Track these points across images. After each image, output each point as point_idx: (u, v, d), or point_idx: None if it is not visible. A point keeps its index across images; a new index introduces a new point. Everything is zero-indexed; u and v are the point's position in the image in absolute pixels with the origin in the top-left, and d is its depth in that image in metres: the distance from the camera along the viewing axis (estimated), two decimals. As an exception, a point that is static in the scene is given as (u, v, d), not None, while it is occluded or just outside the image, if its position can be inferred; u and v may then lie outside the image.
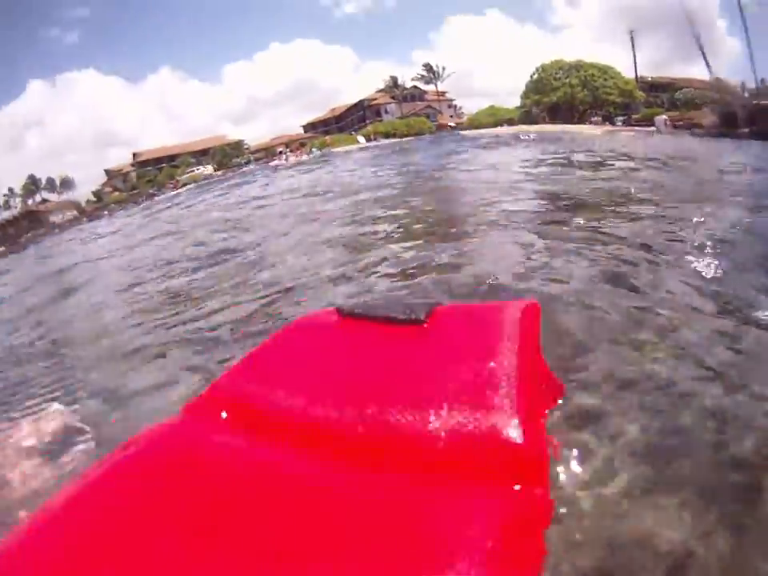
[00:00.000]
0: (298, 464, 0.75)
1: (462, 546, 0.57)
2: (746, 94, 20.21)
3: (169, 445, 0.82)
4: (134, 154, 51.99)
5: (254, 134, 69.71)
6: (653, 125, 23.74)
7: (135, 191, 44.96)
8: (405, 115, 45.81)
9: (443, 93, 48.74)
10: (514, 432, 0.72)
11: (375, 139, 40.67)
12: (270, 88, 78.88)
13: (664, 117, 24.28)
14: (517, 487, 0.68)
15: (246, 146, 51.19)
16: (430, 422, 0.75)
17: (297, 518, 0.64)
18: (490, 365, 0.85)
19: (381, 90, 49.22)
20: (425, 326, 1.03)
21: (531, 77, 39.56)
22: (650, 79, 38.67)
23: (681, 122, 22.77)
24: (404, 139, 35.43)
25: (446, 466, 0.70)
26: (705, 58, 20.72)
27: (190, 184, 37.31)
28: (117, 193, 47.42)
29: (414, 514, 0.63)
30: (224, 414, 0.88)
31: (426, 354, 0.94)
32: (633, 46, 39.84)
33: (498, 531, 0.60)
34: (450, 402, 0.78)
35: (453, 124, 43.71)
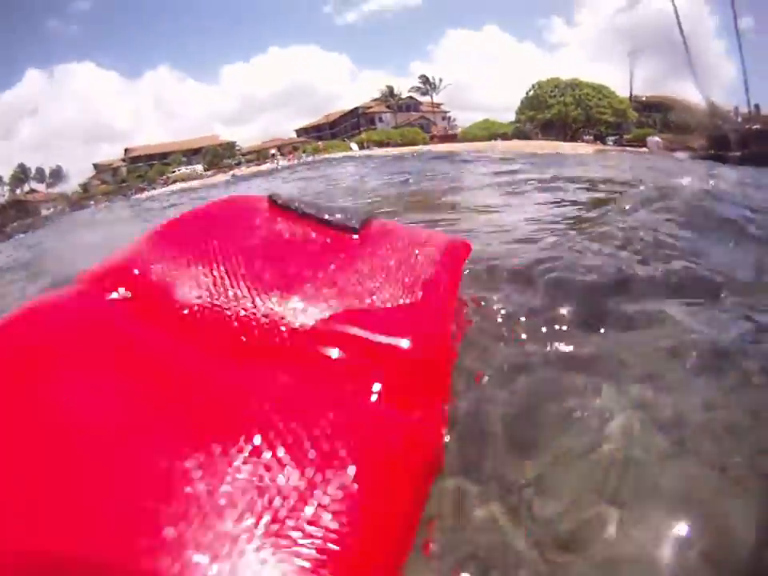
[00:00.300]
0: (190, 350, 0.71)
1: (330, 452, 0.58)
2: (739, 119, 20.28)
3: (53, 317, 0.73)
4: (126, 150, 51.71)
5: (247, 137, 69.48)
6: (644, 145, 23.90)
7: (124, 184, 45.03)
8: (399, 125, 45.82)
9: (438, 105, 48.78)
10: (414, 349, 0.74)
11: (368, 147, 40.55)
12: (265, 91, 78.50)
13: (657, 138, 24.38)
14: (406, 406, 0.69)
15: (237, 148, 51.09)
16: (335, 326, 0.76)
17: (177, 402, 0.61)
18: (411, 287, 0.88)
19: (376, 99, 49.21)
20: (355, 236, 1.00)
21: (527, 93, 39.82)
22: (644, 99, 38.94)
23: (673, 144, 22.82)
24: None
25: (341, 370, 0.71)
26: (698, 84, 20.82)
27: (179, 182, 37.12)
28: (104, 185, 47.22)
29: (299, 413, 0.62)
30: (121, 290, 0.79)
31: (348, 263, 0.92)
32: (631, 69, 40.29)
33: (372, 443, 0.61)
34: (359, 312, 0.80)
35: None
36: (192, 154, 49.00)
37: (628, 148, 25.81)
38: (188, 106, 77.24)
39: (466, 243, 1.14)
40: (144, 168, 47.94)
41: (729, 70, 46.60)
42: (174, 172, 44.94)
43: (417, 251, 0.98)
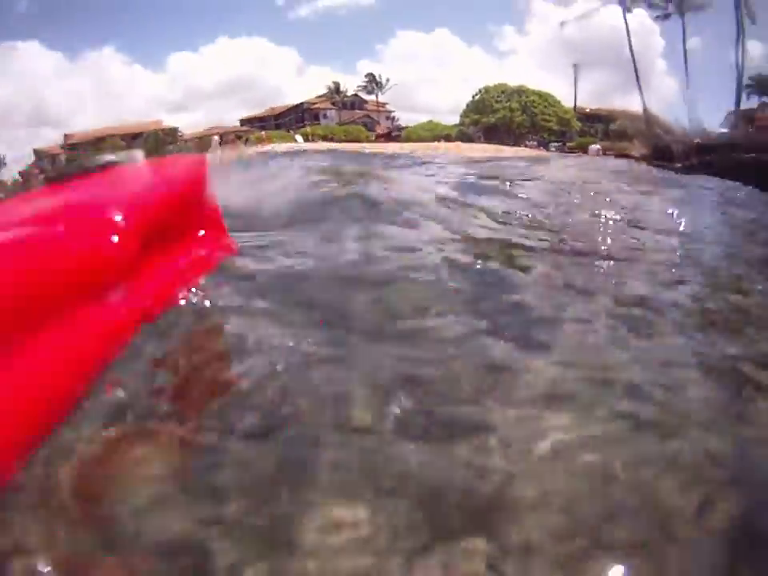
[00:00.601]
0: None
1: None
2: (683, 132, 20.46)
3: None
4: (66, 135, 48.10)
5: (189, 123, 66.28)
6: (586, 152, 24.18)
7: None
8: (343, 122, 44.65)
9: (383, 104, 47.84)
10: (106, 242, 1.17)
11: (313, 140, 39.24)
12: (211, 81, 75.38)
13: (597, 146, 24.68)
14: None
15: (180, 134, 48.59)
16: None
17: None
18: (130, 196, 1.34)
19: (321, 96, 47.84)
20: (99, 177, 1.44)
21: (473, 97, 39.29)
22: (587, 110, 39.26)
23: (612, 152, 23.11)
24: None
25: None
26: (643, 96, 21.01)
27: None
28: (42, 175, 43.85)
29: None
30: None
31: (88, 193, 1.40)
32: (575, 78, 40.48)
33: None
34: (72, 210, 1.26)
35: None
36: (132, 139, 46.04)
37: (570, 155, 26.01)
38: (133, 92, 73.46)
39: (200, 160, 1.64)
40: (83, 156, 44.50)
41: (670, 87, 47.59)
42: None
43: (149, 174, 1.46)
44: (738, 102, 19.12)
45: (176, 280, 1.47)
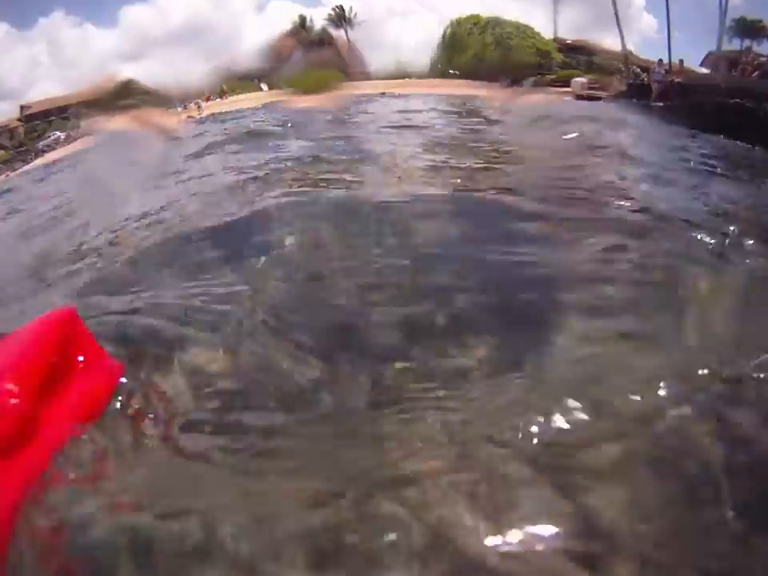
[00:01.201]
0: None
1: None
2: (663, 71, 19.22)
3: None
4: (22, 107, 45.10)
5: (146, 73, 62.97)
6: (568, 85, 22.53)
7: (23, 148, 39.10)
8: (311, 64, 41.99)
9: (352, 41, 44.83)
10: None
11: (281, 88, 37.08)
12: (165, 28, 71.43)
13: (583, 79, 22.55)
14: None
15: (136, 85, 45.51)
16: None
17: None
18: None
19: (286, 34, 44.72)
20: None
21: (445, 31, 36.81)
22: (568, 41, 37.00)
23: (597, 86, 21.64)
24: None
25: None
26: (620, 31, 19.85)
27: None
28: (2, 151, 41.31)
29: None
30: None
31: None
32: (554, 9, 38.14)
33: None
34: None
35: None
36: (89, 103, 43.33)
37: (550, 89, 24.30)
38: (87, 51, 69.20)
39: (70, 312, 1.80)
40: (43, 126, 41.20)
41: (650, 24, 45.58)
42: (49, 136, 39.04)
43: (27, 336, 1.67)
44: (719, 45, 17.74)
45: (68, 422, 1.69)
